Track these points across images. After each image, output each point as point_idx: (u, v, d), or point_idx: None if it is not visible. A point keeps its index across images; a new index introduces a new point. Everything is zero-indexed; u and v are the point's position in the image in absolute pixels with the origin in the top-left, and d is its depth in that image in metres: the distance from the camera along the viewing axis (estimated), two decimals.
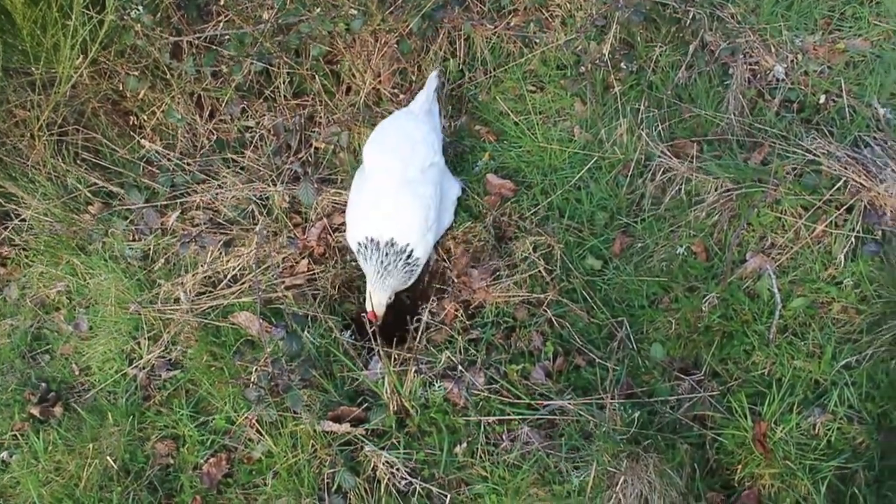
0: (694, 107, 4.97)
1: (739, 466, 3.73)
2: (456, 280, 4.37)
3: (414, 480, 3.74)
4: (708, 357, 4.06)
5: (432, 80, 4.59)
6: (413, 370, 3.94)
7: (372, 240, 4.06)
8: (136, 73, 5.00)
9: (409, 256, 4.10)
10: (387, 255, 4.08)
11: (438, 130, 4.51)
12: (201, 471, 4.06)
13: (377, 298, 4.17)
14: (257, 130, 5.22)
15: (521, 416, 3.91)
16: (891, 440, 3.64)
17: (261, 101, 5.26)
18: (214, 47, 4.99)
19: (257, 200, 4.86)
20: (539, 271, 4.37)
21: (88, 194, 4.91)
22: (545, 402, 3.94)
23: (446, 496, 3.69)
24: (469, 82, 5.39)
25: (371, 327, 4.07)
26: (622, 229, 4.60)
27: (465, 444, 3.86)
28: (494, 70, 5.38)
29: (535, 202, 4.75)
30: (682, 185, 4.56)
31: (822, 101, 4.95)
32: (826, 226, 4.25)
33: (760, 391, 3.87)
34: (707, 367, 4.03)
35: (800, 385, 3.86)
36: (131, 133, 5.15)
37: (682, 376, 4.02)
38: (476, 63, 5.42)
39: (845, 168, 4.29)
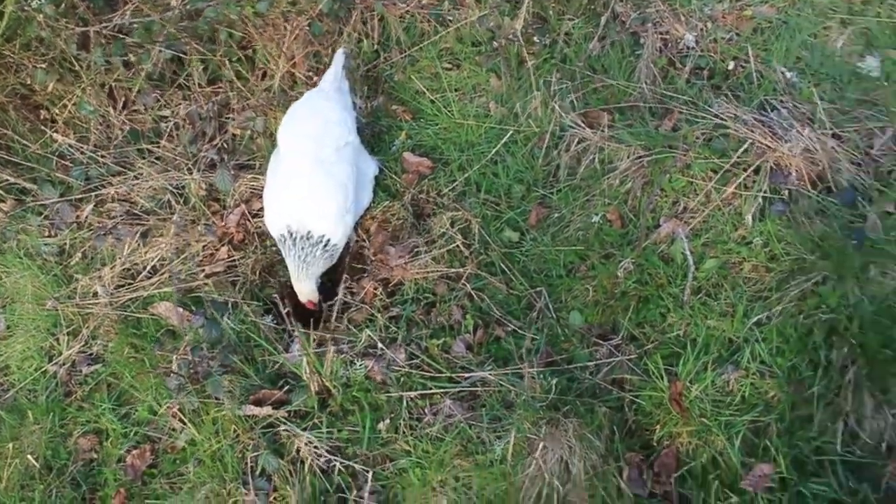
0: (607, 77, 5.02)
1: (658, 426, 3.78)
2: (373, 259, 4.36)
3: (336, 459, 3.72)
4: (625, 322, 4.11)
5: (339, 58, 4.57)
6: (332, 350, 3.92)
7: (290, 234, 4.04)
8: (43, 66, 4.92)
9: (326, 245, 4.09)
10: (303, 248, 4.08)
11: (351, 109, 4.51)
12: (125, 463, 4.02)
13: (306, 287, 4.17)
14: (172, 119, 5.15)
15: (443, 390, 3.92)
16: (800, 392, 3.71)
17: (174, 89, 5.19)
18: (122, 36, 4.91)
19: (173, 190, 4.81)
20: (457, 246, 4.39)
21: (0, 192, 4.81)
22: (466, 375, 3.96)
23: (368, 472, 3.67)
24: (384, 63, 5.39)
25: (311, 315, 4.08)
26: (539, 201, 4.64)
27: (387, 421, 3.87)
28: (409, 49, 5.38)
29: (453, 178, 4.77)
30: (595, 154, 4.61)
31: (731, 67, 5.04)
32: (735, 188, 4.32)
33: (676, 352, 3.93)
34: (624, 332, 4.09)
35: (714, 344, 3.93)
36: (43, 127, 5.07)
37: (601, 342, 4.07)
38: (391, 43, 5.42)
39: (751, 131, 4.37)
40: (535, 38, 5.18)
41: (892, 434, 3.63)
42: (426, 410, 3.90)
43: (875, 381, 3.71)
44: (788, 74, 4.97)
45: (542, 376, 3.91)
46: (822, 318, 3.87)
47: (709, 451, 3.67)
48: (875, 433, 3.63)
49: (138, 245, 4.66)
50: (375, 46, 5.38)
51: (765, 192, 4.27)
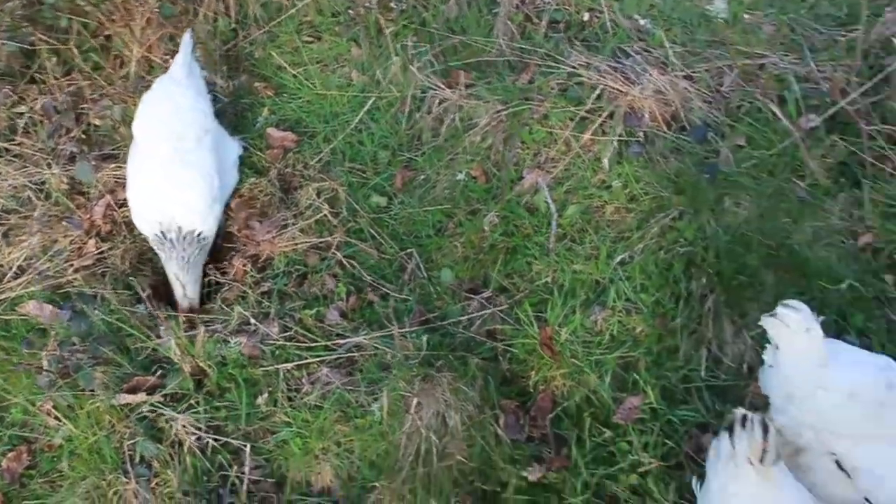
0: (465, 37, 5.03)
1: (533, 372, 3.85)
2: (239, 235, 4.32)
3: (214, 437, 3.69)
4: (494, 274, 4.16)
5: (186, 41, 4.49)
6: (202, 331, 3.88)
7: (164, 234, 3.97)
8: None
9: (199, 237, 4.04)
10: (185, 249, 4.02)
11: (205, 92, 4.44)
12: (0, 467, 3.91)
13: (192, 292, 4.12)
14: (28, 115, 4.99)
15: (319, 359, 3.93)
16: (665, 324, 3.82)
17: (28, 83, 5.03)
18: None
19: (34, 186, 4.68)
20: (325, 215, 4.39)
21: None
22: (342, 342, 3.97)
23: (246, 447, 3.65)
24: (243, 40, 5.33)
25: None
26: (404, 164, 4.66)
27: (265, 394, 3.86)
28: (268, 25, 5.32)
29: (319, 150, 4.75)
30: (456, 113, 4.65)
31: (586, 18, 5.13)
32: (592, 134, 4.41)
33: (545, 299, 4.00)
34: (494, 284, 4.14)
35: (580, 287, 4.01)
36: None
37: (472, 296, 4.11)
38: (248, 20, 5.35)
39: (603, 77, 4.44)
40: (393, 5, 5.19)
41: (751, 356, 3.76)
42: (304, 380, 3.89)
43: (733, 307, 3.84)
44: (641, 21, 5.08)
45: (415, 335, 3.91)
46: (680, 251, 3.98)
47: (582, 391, 3.74)
48: (736, 357, 3.76)
49: (1, 246, 4.51)
50: (233, 25, 5.31)
51: (620, 135, 4.36)
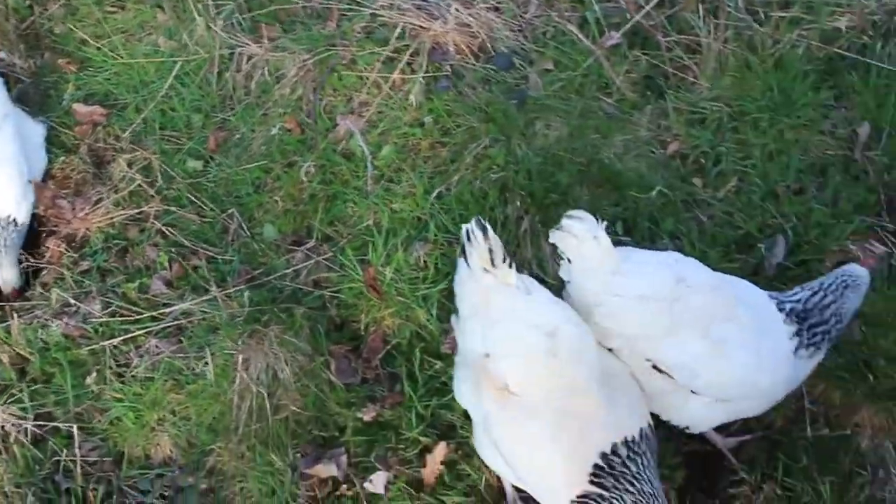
0: None
1: (362, 315, 3.85)
2: (46, 216, 4.18)
3: (33, 424, 3.58)
4: (317, 223, 4.13)
5: None
6: (16, 319, 3.75)
7: None
8: None
9: (14, 222, 3.90)
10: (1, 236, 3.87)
11: None
12: None
13: (11, 275, 4.06)
14: None
15: (146, 330, 3.84)
16: None
17: None
18: None
19: None
20: (140, 186, 4.28)
21: None
22: (168, 311, 3.87)
23: (73, 427, 3.56)
24: (41, 16, 5.11)
25: None
26: (218, 126, 4.55)
27: (94, 374, 3.76)
28: None
29: (129, 121, 4.63)
30: (264, 68, 4.55)
31: None
32: (400, 73, 4.39)
33: (368, 241, 3.97)
34: (318, 233, 4.11)
35: (401, 225, 4.01)
36: None
37: (296, 248, 4.10)
38: None
39: (404, 15, 4.41)
40: None
41: None
42: (132, 354, 3.83)
43: (548, 226, 3.87)
44: None
45: (240, 294, 3.85)
46: (493, 178, 4.01)
47: (411, 327, 3.76)
48: (557, 274, 3.81)
49: None
50: (27, 1, 5.07)
51: (427, 72, 4.34)
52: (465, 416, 3.50)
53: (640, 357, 3.05)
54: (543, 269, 3.82)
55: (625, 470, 2.75)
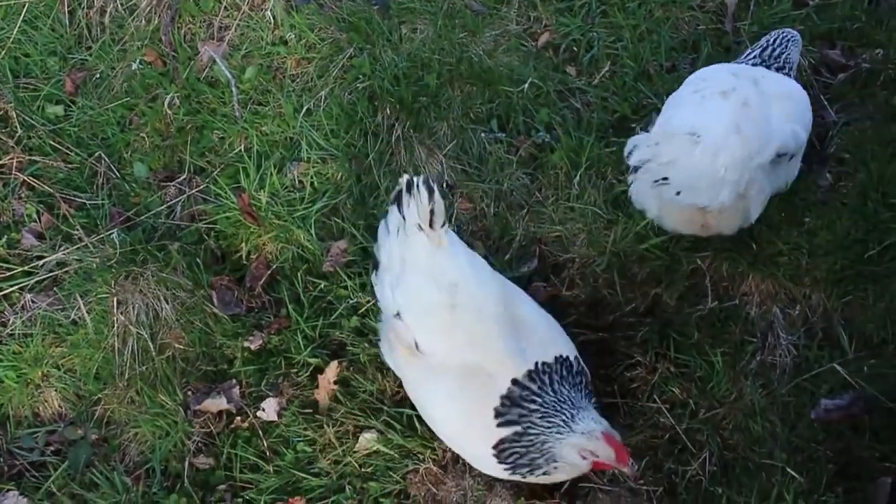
0: None
1: (242, 244, 3.75)
2: None
3: None
4: (188, 156, 3.99)
5: None
6: None
7: None
8: None
9: None
10: None
11: None
12: None
13: None
14: None
15: (19, 286, 3.67)
16: (360, 164, 3.75)
17: None
18: None
19: None
20: None
21: None
22: (41, 263, 3.71)
23: None
24: None
25: None
26: (78, 67, 4.34)
27: None
28: None
29: None
30: (116, 2, 4.34)
31: None
32: None
33: (241, 168, 3.83)
34: (189, 166, 3.97)
35: (273, 148, 3.88)
36: None
37: (168, 183, 3.94)
38: None
39: None
40: None
41: (448, 174, 3.74)
42: (7, 313, 3.66)
43: (421, 131, 3.81)
44: None
45: (117, 236, 3.71)
46: (360, 88, 3.88)
47: (292, 249, 3.65)
48: (434, 177, 3.73)
49: None
50: None
51: None
52: (355, 332, 3.44)
53: None
54: (417, 172, 3.71)
55: (525, 393, 2.72)
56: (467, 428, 2.84)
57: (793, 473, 3.05)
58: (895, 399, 3.16)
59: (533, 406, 2.71)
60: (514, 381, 2.74)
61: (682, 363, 3.31)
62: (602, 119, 3.79)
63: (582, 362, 2.88)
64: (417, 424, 3.15)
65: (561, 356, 2.77)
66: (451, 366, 2.77)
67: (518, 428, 2.72)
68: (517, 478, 2.82)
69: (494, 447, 2.72)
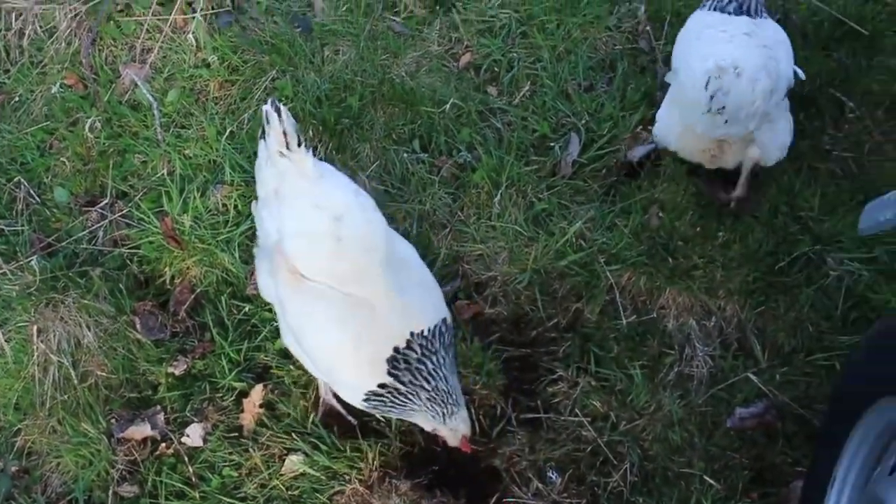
0: None
1: (166, 268, 3.72)
2: None
3: None
4: (110, 180, 3.95)
5: None
6: None
7: None
8: None
9: None
10: None
11: None
12: None
13: None
14: None
15: None
16: None
17: None
18: None
19: None
20: None
21: None
22: None
23: None
24: None
25: None
26: None
27: None
28: None
29: None
30: (35, 22, 4.30)
31: None
32: (181, 13, 4.21)
33: (165, 191, 3.82)
34: (112, 191, 3.94)
35: (197, 171, 3.88)
36: None
37: (90, 208, 3.90)
38: None
39: None
40: None
41: (372, 195, 3.75)
42: None
43: (343, 151, 3.85)
44: None
45: (37, 263, 3.67)
46: None
47: (216, 273, 3.65)
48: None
49: None
50: None
51: (207, 9, 4.19)
52: (280, 355, 3.45)
53: None
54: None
55: (420, 367, 2.76)
56: (347, 357, 2.85)
57: (710, 481, 3.13)
58: (806, 406, 3.26)
59: (425, 384, 2.80)
60: (409, 343, 2.78)
61: (602, 377, 3.38)
62: (522, 138, 3.85)
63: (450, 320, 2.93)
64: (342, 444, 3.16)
65: (445, 320, 2.87)
66: (334, 293, 2.79)
67: (402, 388, 2.80)
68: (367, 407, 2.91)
69: (376, 388, 2.81)
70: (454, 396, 2.83)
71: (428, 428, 2.90)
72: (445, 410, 2.83)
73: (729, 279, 3.50)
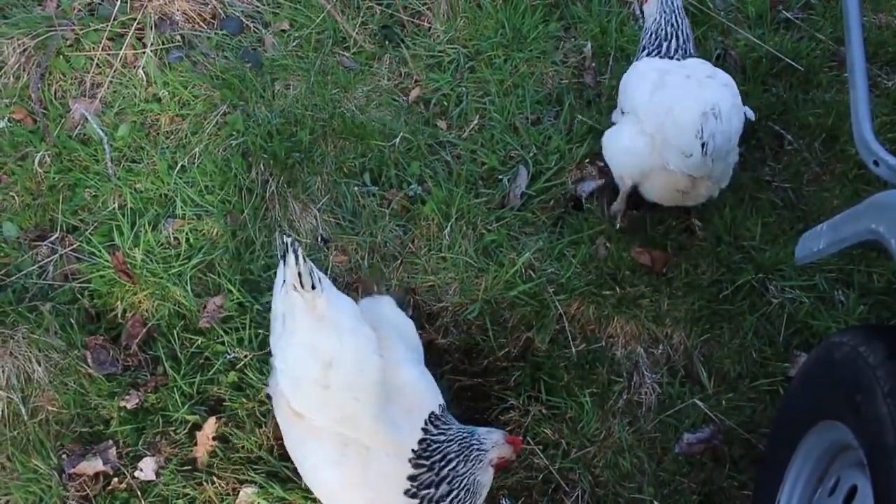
0: None
1: (118, 303, 3.71)
2: None
3: None
4: (60, 215, 3.94)
5: None
6: None
7: None
8: None
9: None
10: None
11: None
12: None
13: None
14: None
15: None
16: (236, 220, 3.79)
17: None
18: None
19: None
20: None
21: None
22: None
23: None
24: None
25: None
26: None
27: None
28: None
29: None
30: None
31: None
32: (131, 48, 4.23)
33: (116, 225, 3.82)
34: (62, 225, 3.93)
35: (148, 205, 3.89)
36: None
37: (40, 243, 3.88)
38: None
39: None
40: None
41: (323, 227, 3.82)
42: None
43: (295, 185, 3.88)
44: None
45: None
46: (234, 145, 3.93)
47: (168, 306, 3.65)
48: (309, 232, 3.81)
49: None
50: None
51: (158, 44, 4.22)
52: (233, 387, 3.46)
53: None
54: (294, 229, 3.78)
55: (434, 453, 2.88)
56: (346, 497, 2.88)
57: None
58: (751, 430, 3.35)
59: (450, 457, 2.83)
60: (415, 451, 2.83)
61: (553, 405, 3.45)
62: (471, 171, 3.93)
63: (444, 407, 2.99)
64: (295, 478, 3.17)
65: (432, 412, 2.90)
66: (328, 434, 2.82)
67: (443, 487, 2.82)
68: None
69: None
70: (464, 431, 2.90)
71: (490, 474, 2.92)
72: (474, 442, 2.87)
73: (675, 307, 3.59)
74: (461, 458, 2.81)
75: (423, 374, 3.05)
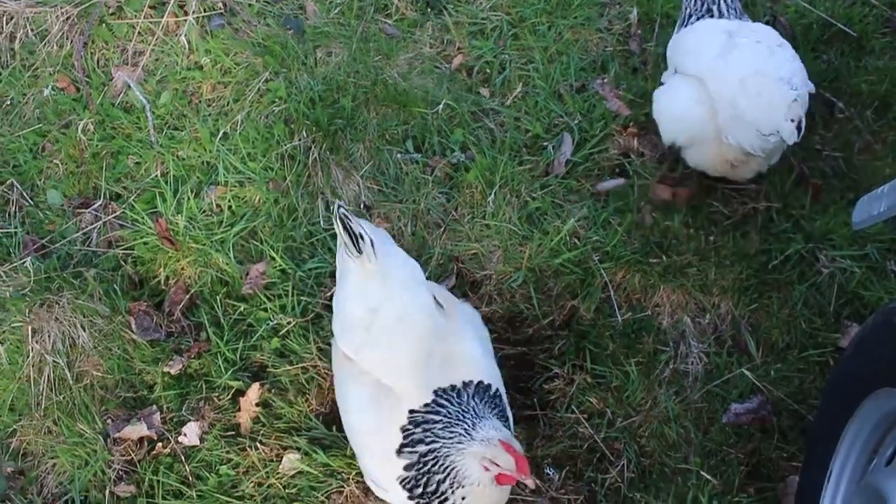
0: None
1: (160, 269, 3.72)
2: None
3: None
4: (103, 182, 3.95)
5: None
6: None
7: None
8: None
9: None
10: None
11: None
12: None
13: None
14: None
15: None
16: (279, 187, 3.78)
17: None
18: None
19: None
20: None
21: None
22: None
23: None
24: None
25: None
26: None
27: None
28: None
29: None
30: (26, 26, 4.29)
31: None
32: (173, 16, 4.22)
33: (158, 193, 3.82)
34: (105, 192, 3.94)
35: (190, 172, 3.90)
36: None
37: (84, 210, 3.90)
38: None
39: None
40: None
41: (366, 195, 3.79)
42: None
43: (338, 152, 3.84)
44: None
45: (31, 264, 3.66)
46: (276, 111, 3.91)
47: (211, 273, 3.65)
48: (352, 199, 3.78)
49: None
50: None
51: (200, 11, 4.23)
52: (276, 354, 3.45)
53: None
54: (337, 196, 3.75)
55: (428, 414, 2.79)
56: (372, 443, 2.88)
57: (707, 476, 3.14)
58: (800, 401, 3.28)
59: (437, 417, 2.74)
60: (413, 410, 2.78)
61: (598, 374, 3.40)
62: (515, 138, 3.87)
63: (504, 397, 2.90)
64: (339, 444, 3.16)
65: (472, 381, 2.82)
66: (369, 378, 2.83)
67: (421, 447, 2.73)
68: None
69: (402, 477, 2.75)
70: (473, 412, 2.75)
71: (481, 471, 2.64)
72: (466, 425, 2.71)
73: (723, 277, 3.53)
74: (446, 429, 2.72)
75: (486, 355, 3.00)
